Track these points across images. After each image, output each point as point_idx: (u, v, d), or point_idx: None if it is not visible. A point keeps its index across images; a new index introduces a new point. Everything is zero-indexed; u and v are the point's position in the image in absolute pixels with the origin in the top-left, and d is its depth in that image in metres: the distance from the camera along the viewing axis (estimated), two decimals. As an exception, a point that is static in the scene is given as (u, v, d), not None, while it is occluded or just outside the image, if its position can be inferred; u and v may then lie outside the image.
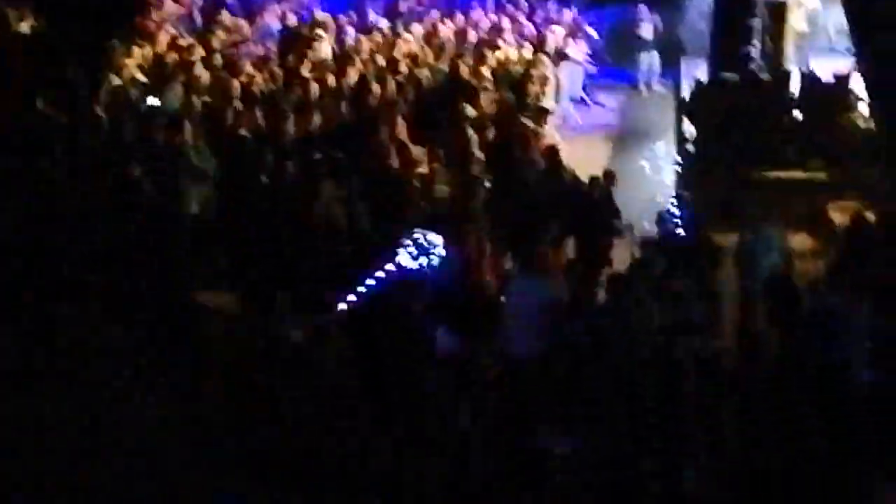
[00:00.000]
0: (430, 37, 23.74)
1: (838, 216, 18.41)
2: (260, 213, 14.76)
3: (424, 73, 20.82)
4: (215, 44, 20.34)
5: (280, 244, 14.27)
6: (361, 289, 13.37)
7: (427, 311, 13.36)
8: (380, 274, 13.38)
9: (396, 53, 21.71)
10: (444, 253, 13.76)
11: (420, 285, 13.41)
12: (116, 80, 17.06)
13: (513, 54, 23.21)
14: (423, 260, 13.55)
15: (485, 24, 25.43)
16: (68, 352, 12.39)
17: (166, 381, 12.24)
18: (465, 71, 20.83)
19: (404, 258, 13.55)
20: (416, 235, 13.77)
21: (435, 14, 25.45)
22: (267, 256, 14.29)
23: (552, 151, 17.80)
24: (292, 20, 23.72)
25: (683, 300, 13.43)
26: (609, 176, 17.00)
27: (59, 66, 15.36)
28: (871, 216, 15.83)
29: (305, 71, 19.46)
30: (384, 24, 24.29)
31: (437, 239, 13.82)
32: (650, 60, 27.91)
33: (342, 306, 13.33)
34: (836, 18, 23.84)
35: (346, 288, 13.44)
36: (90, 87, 15.57)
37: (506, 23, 25.50)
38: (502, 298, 13.44)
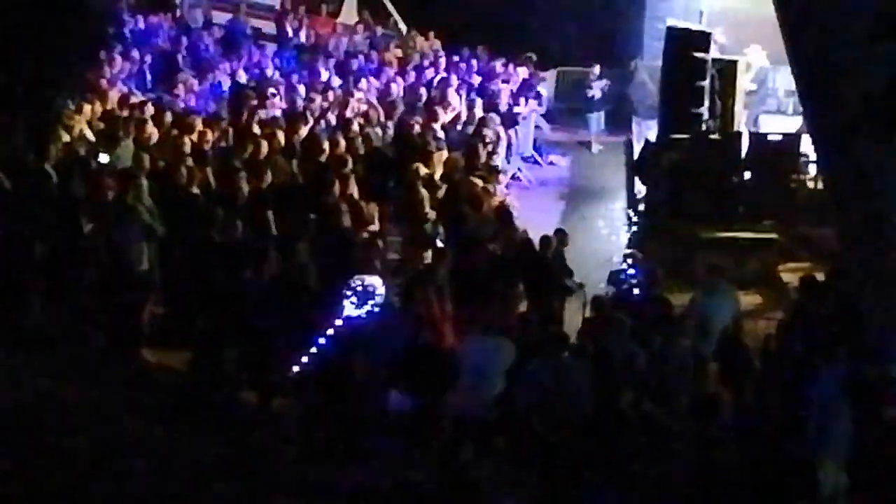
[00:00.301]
0: (382, 94, 23.80)
1: (789, 276, 18.50)
2: (209, 270, 14.65)
3: (376, 131, 20.84)
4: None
5: (230, 301, 14.15)
6: (311, 347, 13.25)
7: (378, 371, 13.27)
8: (328, 330, 13.28)
9: (348, 111, 21.73)
10: (385, 297, 13.69)
11: (367, 339, 13.31)
12: (66, 137, 16.95)
13: (463, 113, 23.29)
14: (367, 307, 13.46)
15: (435, 81, 25.48)
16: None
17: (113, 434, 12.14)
18: (416, 129, 20.87)
19: (348, 307, 13.46)
20: (356, 283, 13.68)
21: (387, 71, 25.51)
22: (216, 314, 14.18)
23: (503, 210, 17.82)
24: (243, 78, 23.73)
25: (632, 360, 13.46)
26: (561, 235, 17.00)
27: (7, 122, 15.24)
28: (821, 276, 15.87)
29: (256, 128, 19.41)
30: (336, 81, 24.32)
31: (377, 282, 13.76)
32: (598, 119, 28.08)
33: (293, 367, 13.21)
34: (785, 79, 24.04)
35: (295, 345, 13.33)
36: (39, 143, 15.43)
37: (455, 80, 25.56)
38: (454, 357, 13.37)
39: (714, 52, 22.16)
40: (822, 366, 12.83)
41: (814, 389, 12.50)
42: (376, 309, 13.45)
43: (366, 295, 13.57)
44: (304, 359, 13.08)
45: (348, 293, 13.53)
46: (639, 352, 13.63)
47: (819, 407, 12.29)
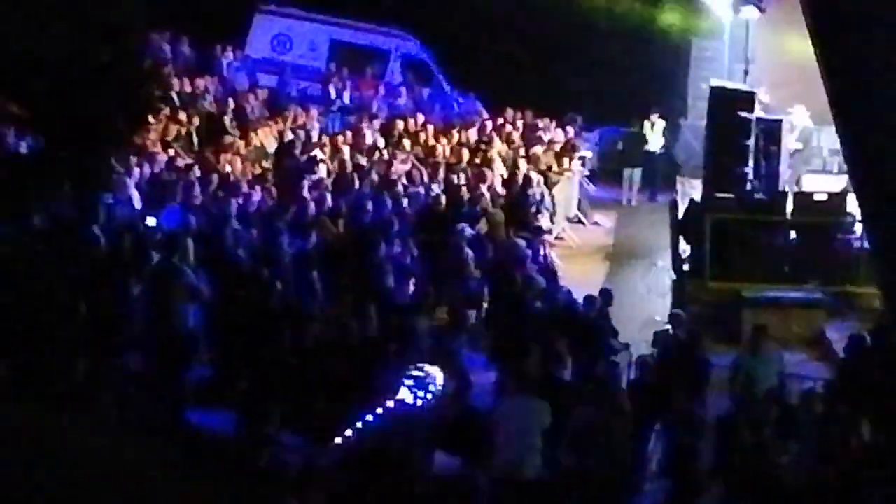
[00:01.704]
0: (426, 155, 23.91)
1: (835, 336, 18.39)
2: (254, 332, 14.71)
3: (419, 192, 20.94)
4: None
5: (276, 364, 14.19)
6: (360, 424, 13.23)
7: (424, 438, 13.29)
8: (379, 410, 13.26)
9: (392, 172, 21.84)
10: (443, 386, 13.64)
11: (420, 423, 13.30)
12: (114, 199, 17.12)
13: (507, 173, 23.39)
14: (422, 394, 13.44)
15: (480, 142, 25.57)
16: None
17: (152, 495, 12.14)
18: (462, 190, 20.95)
19: (405, 393, 13.43)
20: (415, 370, 13.66)
21: (431, 132, 25.60)
22: (260, 374, 14.21)
23: (548, 270, 17.84)
24: (288, 137, 23.89)
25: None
26: (605, 295, 16.98)
27: (55, 185, 15.39)
28: (868, 337, 15.77)
29: (304, 191, 19.54)
30: (381, 142, 24.44)
31: (436, 372, 13.72)
32: (632, 177, 28.16)
33: (339, 439, 13.19)
34: (830, 138, 23.99)
35: (346, 417, 13.32)
36: (86, 205, 15.58)
37: (499, 141, 25.67)
38: (492, 419, 13.38)
39: (758, 112, 22.13)
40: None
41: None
42: (431, 400, 13.44)
43: (424, 384, 13.55)
44: (349, 432, 13.09)
45: (407, 379, 13.52)
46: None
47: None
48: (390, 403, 13.26)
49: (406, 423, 13.11)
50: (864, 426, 13.22)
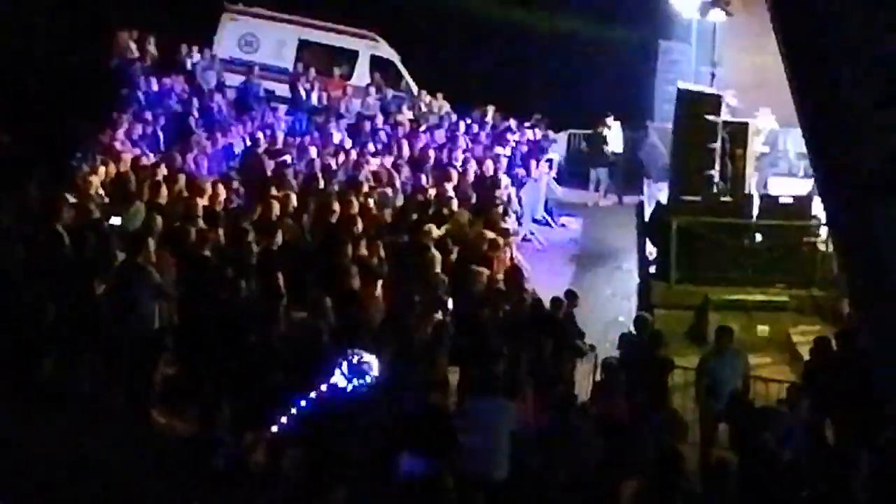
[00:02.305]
0: (393, 156, 23.90)
1: (799, 338, 18.47)
2: (218, 331, 14.66)
3: (386, 193, 20.89)
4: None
5: (235, 361, 14.14)
6: (290, 408, 13.23)
7: (388, 432, 13.26)
8: (311, 394, 13.24)
9: (360, 173, 21.81)
10: (377, 375, 13.58)
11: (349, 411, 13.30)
12: (79, 198, 17.03)
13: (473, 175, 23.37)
14: (356, 381, 13.38)
15: (446, 143, 25.59)
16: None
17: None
18: (428, 191, 20.94)
19: (338, 378, 13.38)
20: (351, 355, 13.59)
21: (398, 133, 25.63)
22: (221, 373, 14.18)
23: (515, 271, 17.84)
24: (255, 137, 23.83)
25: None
26: (571, 296, 17.00)
27: (22, 183, 15.33)
28: (832, 339, 15.84)
29: (270, 190, 19.48)
30: (347, 143, 24.42)
31: (372, 360, 13.67)
32: (603, 174, 28.27)
33: (273, 426, 13.18)
34: (796, 141, 24.12)
35: (280, 405, 13.32)
36: (51, 205, 15.52)
37: (466, 142, 25.69)
38: (460, 419, 13.37)
39: (725, 115, 22.21)
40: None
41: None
42: (364, 388, 13.38)
43: (358, 370, 13.49)
44: (283, 419, 13.07)
45: (342, 363, 13.46)
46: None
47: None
48: (323, 387, 13.23)
49: (336, 411, 13.10)
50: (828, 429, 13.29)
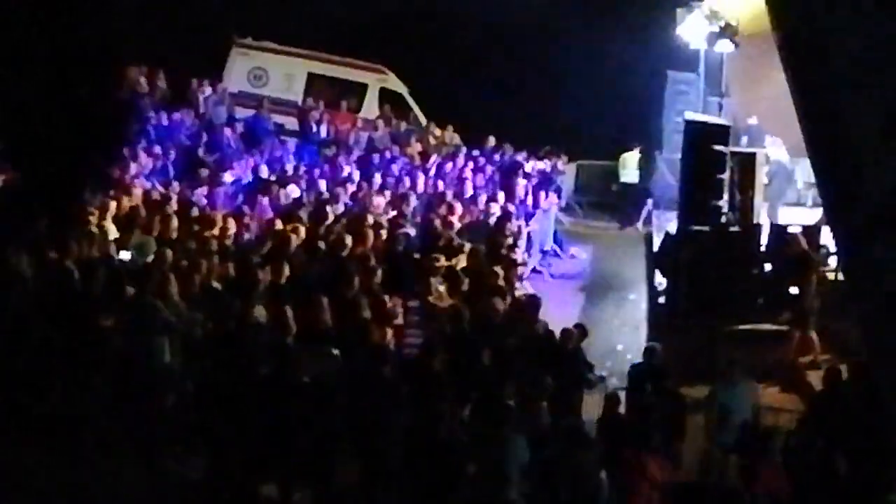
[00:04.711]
0: (403, 189, 23.94)
1: (810, 369, 18.44)
2: (225, 365, 14.66)
3: (399, 225, 20.96)
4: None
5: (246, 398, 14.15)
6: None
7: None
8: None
9: (370, 206, 21.86)
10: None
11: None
12: (88, 233, 17.09)
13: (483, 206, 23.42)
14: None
15: (456, 175, 25.64)
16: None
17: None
18: (436, 223, 20.97)
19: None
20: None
21: (408, 166, 25.68)
22: (231, 409, 14.18)
23: (527, 303, 17.84)
24: (264, 172, 23.92)
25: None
26: (580, 329, 17.00)
27: (31, 219, 15.38)
28: (843, 371, 15.82)
29: (278, 222, 19.54)
30: (356, 176, 24.47)
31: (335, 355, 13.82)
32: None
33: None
34: (805, 171, 24.12)
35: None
36: (60, 239, 15.58)
37: (475, 174, 25.75)
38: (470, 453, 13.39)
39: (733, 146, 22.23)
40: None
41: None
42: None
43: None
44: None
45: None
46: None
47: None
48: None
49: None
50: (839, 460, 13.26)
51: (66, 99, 15.10)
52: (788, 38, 9.54)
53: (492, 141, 28.39)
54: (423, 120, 30.13)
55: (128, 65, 23.56)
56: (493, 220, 22.52)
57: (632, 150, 29.20)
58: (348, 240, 18.94)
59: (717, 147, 21.34)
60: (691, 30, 26.60)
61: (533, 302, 17.79)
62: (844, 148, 10.41)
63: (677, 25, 27.30)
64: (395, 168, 25.50)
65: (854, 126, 9.99)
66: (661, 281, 22.10)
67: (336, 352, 14.45)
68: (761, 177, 23.36)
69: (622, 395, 15.55)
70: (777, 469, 13.90)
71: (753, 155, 22.49)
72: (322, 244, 18.91)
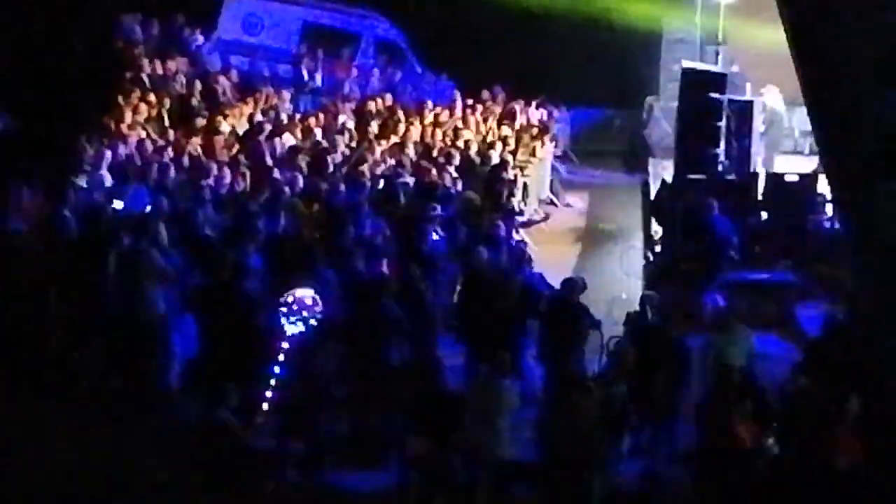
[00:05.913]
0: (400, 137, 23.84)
1: (806, 317, 18.44)
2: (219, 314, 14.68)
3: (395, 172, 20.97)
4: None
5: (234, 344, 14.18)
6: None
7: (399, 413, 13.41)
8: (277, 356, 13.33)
9: (367, 155, 21.84)
10: (321, 311, 13.54)
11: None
12: (85, 181, 17.07)
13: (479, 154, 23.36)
14: (297, 320, 13.37)
15: (452, 124, 25.54)
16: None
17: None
18: (432, 171, 20.94)
19: (285, 325, 13.39)
20: (286, 298, 13.56)
21: (403, 114, 25.55)
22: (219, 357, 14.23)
23: (521, 251, 17.84)
24: (259, 119, 23.80)
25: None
26: (581, 280, 16.96)
27: (25, 168, 15.36)
28: (840, 317, 15.83)
29: (275, 173, 19.50)
30: (351, 124, 24.35)
31: (307, 294, 13.59)
32: None
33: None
34: (802, 119, 24.06)
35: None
36: (56, 189, 15.54)
37: (472, 122, 25.66)
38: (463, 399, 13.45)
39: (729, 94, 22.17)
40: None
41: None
42: (313, 322, 13.34)
43: (296, 310, 13.46)
44: (269, 393, 13.17)
45: (283, 310, 13.45)
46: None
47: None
48: (285, 345, 13.29)
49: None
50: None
51: (61, 47, 15.05)
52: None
53: (487, 91, 28.21)
54: (419, 69, 29.98)
55: (121, 13, 23.37)
56: (490, 171, 22.45)
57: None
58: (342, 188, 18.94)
59: (714, 95, 21.30)
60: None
61: (524, 250, 17.84)
62: (840, 92, 10.40)
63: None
64: (392, 118, 25.35)
65: (850, 72, 9.97)
66: (657, 229, 22.09)
67: None
68: (758, 125, 23.34)
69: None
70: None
71: (751, 103, 22.45)
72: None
